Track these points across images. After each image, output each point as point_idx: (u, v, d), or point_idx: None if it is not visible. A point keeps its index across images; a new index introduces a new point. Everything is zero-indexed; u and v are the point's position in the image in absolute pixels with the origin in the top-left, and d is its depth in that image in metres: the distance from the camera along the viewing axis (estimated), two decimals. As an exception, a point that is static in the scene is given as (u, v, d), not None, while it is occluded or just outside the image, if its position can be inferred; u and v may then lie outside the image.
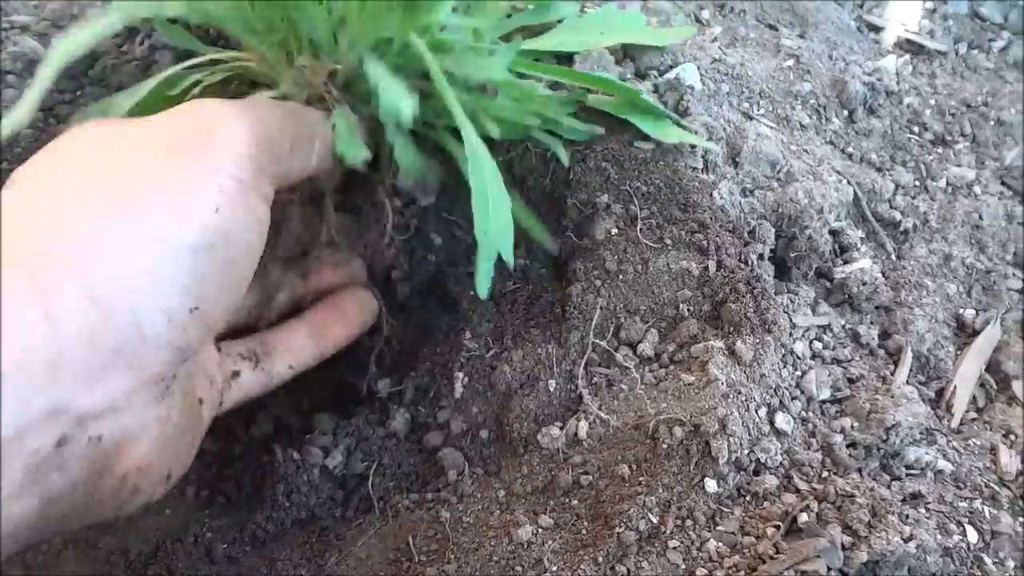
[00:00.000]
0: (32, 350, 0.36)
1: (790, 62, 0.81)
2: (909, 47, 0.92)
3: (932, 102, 0.84)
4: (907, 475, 0.51)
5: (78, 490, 0.40)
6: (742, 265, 0.58)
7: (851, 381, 0.57)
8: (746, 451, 0.50)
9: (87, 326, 0.38)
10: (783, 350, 0.56)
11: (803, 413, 0.54)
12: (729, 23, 0.87)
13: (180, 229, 0.42)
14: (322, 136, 0.53)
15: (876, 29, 0.93)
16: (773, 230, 0.61)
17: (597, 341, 0.57)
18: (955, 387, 0.59)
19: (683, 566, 0.46)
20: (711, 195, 0.61)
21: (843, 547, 0.44)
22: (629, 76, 0.71)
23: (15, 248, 0.38)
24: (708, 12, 0.87)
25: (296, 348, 0.58)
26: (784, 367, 0.55)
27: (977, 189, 0.75)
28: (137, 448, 0.43)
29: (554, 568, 0.47)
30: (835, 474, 0.50)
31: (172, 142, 0.45)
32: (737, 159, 0.66)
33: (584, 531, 0.49)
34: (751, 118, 0.72)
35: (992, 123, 0.82)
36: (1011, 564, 0.47)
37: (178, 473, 0.47)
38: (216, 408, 0.53)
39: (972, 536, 0.48)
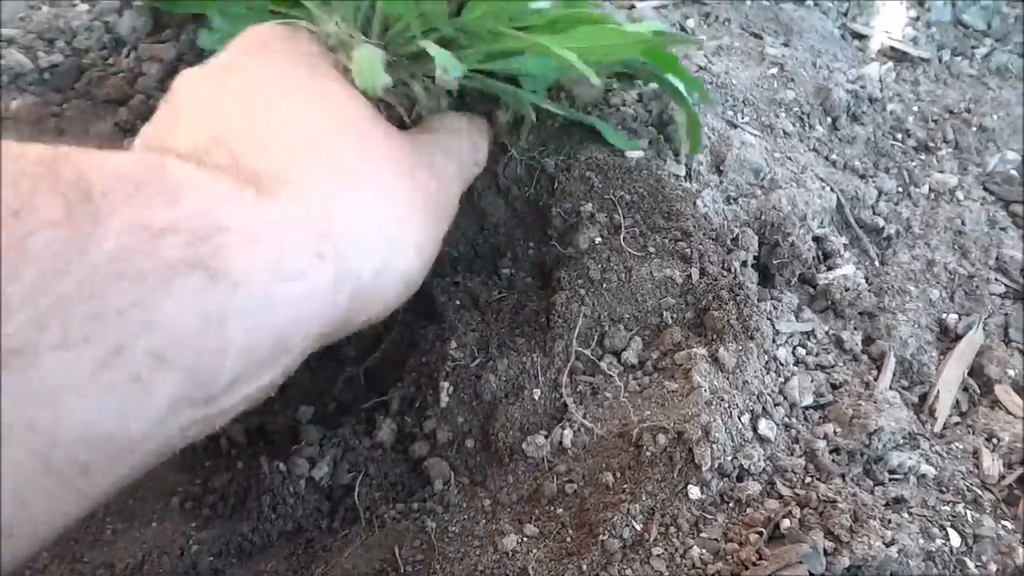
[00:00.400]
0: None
1: (774, 70, 0.81)
2: (892, 54, 0.92)
3: (915, 109, 0.84)
4: (890, 480, 0.52)
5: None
6: (725, 272, 0.59)
7: (834, 387, 0.57)
8: (729, 458, 0.50)
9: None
10: (766, 356, 0.56)
11: (786, 419, 0.54)
12: (714, 32, 0.87)
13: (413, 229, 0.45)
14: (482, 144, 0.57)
15: (860, 37, 0.94)
16: (756, 237, 0.62)
17: (581, 349, 0.57)
18: (938, 392, 0.59)
19: (667, 573, 0.46)
20: (694, 203, 0.62)
21: (825, 552, 0.45)
22: (615, 85, 0.71)
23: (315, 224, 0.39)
24: (693, 21, 0.88)
25: None
26: (767, 373, 0.55)
27: (960, 195, 0.76)
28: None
29: (539, 577, 0.47)
30: (818, 480, 0.50)
31: (306, 73, 0.45)
32: (721, 167, 0.67)
33: (569, 539, 0.49)
34: (735, 126, 0.72)
35: (975, 129, 0.83)
36: (993, 568, 0.48)
37: None
38: None
39: (955, 540, 0.48)
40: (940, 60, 0.93)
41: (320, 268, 0.37)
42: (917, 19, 0.97)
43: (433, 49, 0.48)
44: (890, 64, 0.90)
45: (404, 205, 0.45)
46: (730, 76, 0.77)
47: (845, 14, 0.96)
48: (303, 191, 0.39)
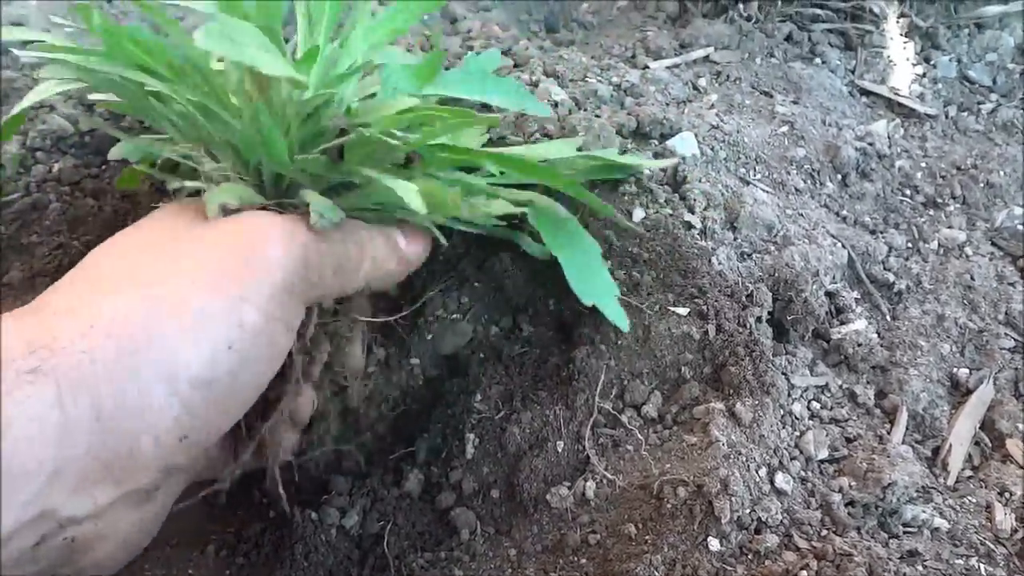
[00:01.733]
0: (43, 461, 0.38)
1: (784, 128, 0.84)
2: (900, 111, 0.95)
3: (923, 165, 0.87)
4: (904, 533, 0.53)
5: (39, 572, 0.43)
6: (741, 328, 0.61)
7: (848, 440, 0.59)
8: (747, 510, 0.51)
9: (91, 442, 0.40)
10: (782, 411, 0.58)
11: (802, 473, 0.56)
12: (725, 90, 0.90)
13: (187, 360, 0.43)
14: (372, 256, 0.54)
15: (868, 94, 0.97)
16: (770, 294, 0.64)
17: (603, 403, 0.59)
18: (950, 445, 0.61)
19: (688, 624, 0.47)
20: (710, 261, 0.64)
21: (842, 605, 0.46)
22: (631, 144, 0.74)
23: (55, 342, 0.40)
24: (705, 80, 0.91)
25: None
26: (783, 428, 0.57)
27: (968, 250, 0.78)
28: (103, 547, 0.44)
29: (564, 626, 0.49)
30: (834, 532, 0.52)
31: (214, 260, 0.46)
32: (735, 224, 0.69)
33: (593, 589, 0.51)
34: (748, 183, 0.75)
35: (982, 185, 0.85)
36: (1007, 621, 0.49)
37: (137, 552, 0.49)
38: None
39: (968, 593, 0.50)
40: (947, 116, 0.96)
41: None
42: (924, 75, 1.00)
43: (310, 197, 0.50)
44: (897, 121, 0.92)
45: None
46: (741, 134, 0.80)
47: (853, 71, 0.99)
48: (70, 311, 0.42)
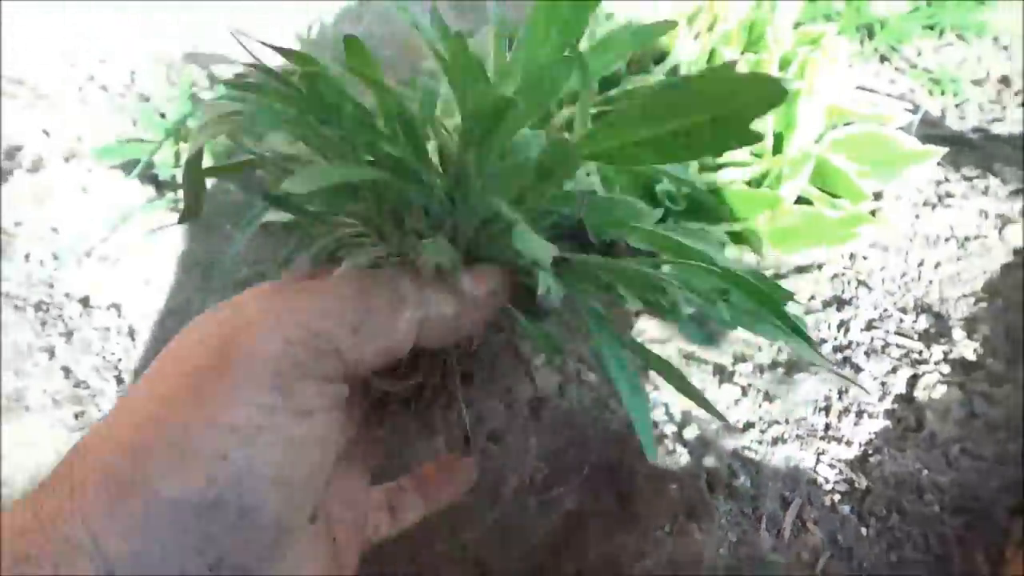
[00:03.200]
0: None
1: (697, 376, 1.71)
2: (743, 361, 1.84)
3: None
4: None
5: None
6: (699, 489, 1.45)
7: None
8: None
9: None
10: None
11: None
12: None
13: (183, 486, 0.40)
14: (415, 304, 0.46)
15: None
16: (704, 472, 1.49)
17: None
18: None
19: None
20: (677, 460, 1.48)
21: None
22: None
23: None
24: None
25: (408, 505, 0.65)
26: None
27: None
28: None
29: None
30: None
31: (196, 366, 0.42)
32: (684, 440, 1.54)
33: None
34: (688, 418, 1.60)
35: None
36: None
37: None
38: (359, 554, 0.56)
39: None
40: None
41: None
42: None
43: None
44: (748, 363, 1.81)
45: None
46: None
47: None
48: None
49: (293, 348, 0.42)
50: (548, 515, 1.47)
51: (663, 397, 1.61)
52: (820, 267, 1.98)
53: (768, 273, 1.98)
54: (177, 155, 1.93)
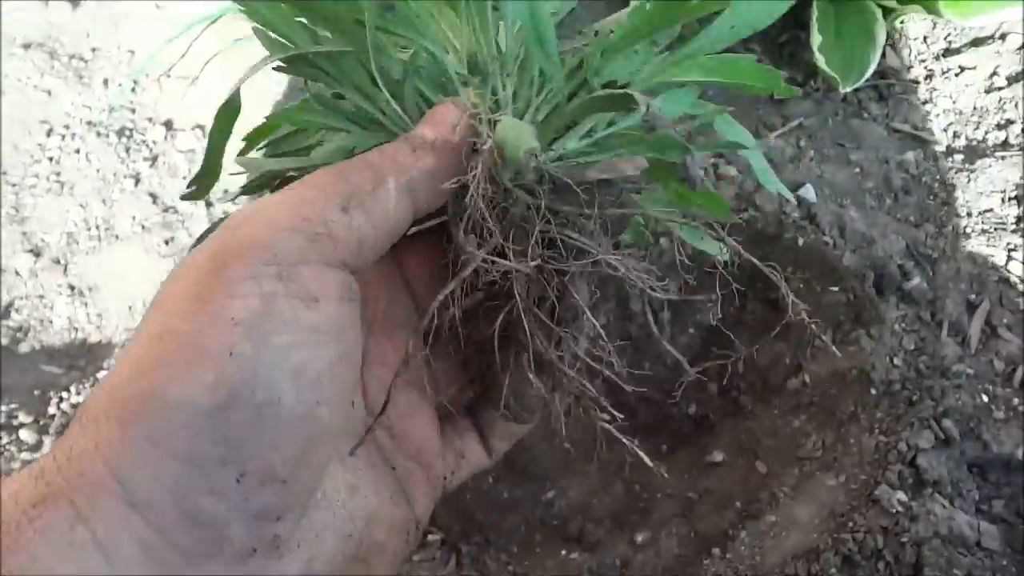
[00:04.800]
0: None
1: (857, 169, 1.45)
2: (919, 142, 1.55)
3: (937, 178, 1.48)
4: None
5: None
6: (862, 293, 1.23)
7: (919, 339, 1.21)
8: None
9: (141, 540, 0.36)
10: (889, 331, 1.20)
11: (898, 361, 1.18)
12: (816, 145, 1.51)
13: (191, 390, 0.37)
14: (394, 170, 0.45)
15: (899, 132, 1.57)
16: (872, 272, 1.26)
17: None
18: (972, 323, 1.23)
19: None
20: (841, 258, 1.26)
21: None
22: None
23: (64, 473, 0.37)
24: (804, 142, 1.52)
25: (496, 432, 0.58)
26: (893, 336, 1.20)
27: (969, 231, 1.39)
28: None
29: None
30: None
31: (195, 277, 0.40)
32: (844, 234, 1.30)
33: None
34: (844, 207, 1.36)
35: (974, 185, 1.46)
36: None
37: None
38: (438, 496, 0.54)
39: None
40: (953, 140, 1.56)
41: None
42: (930, 112, 1.60)
43: None
44: (920, 150, 1.53)
45: None
46: (835, 177, 1.41)
47: (887, 116, 1.59)
48: None
49: (283, 234, 0.41)
50: (685, 329, 1.28)
51: (810, 195, 1.36)
52: (1003, 37, 1.64)
53: (938, 48, 1.66)
54: (251, -40, 1.73)
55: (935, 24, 1.68)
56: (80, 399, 1.27)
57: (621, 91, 0.48)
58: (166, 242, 1.45)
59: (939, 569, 0.95)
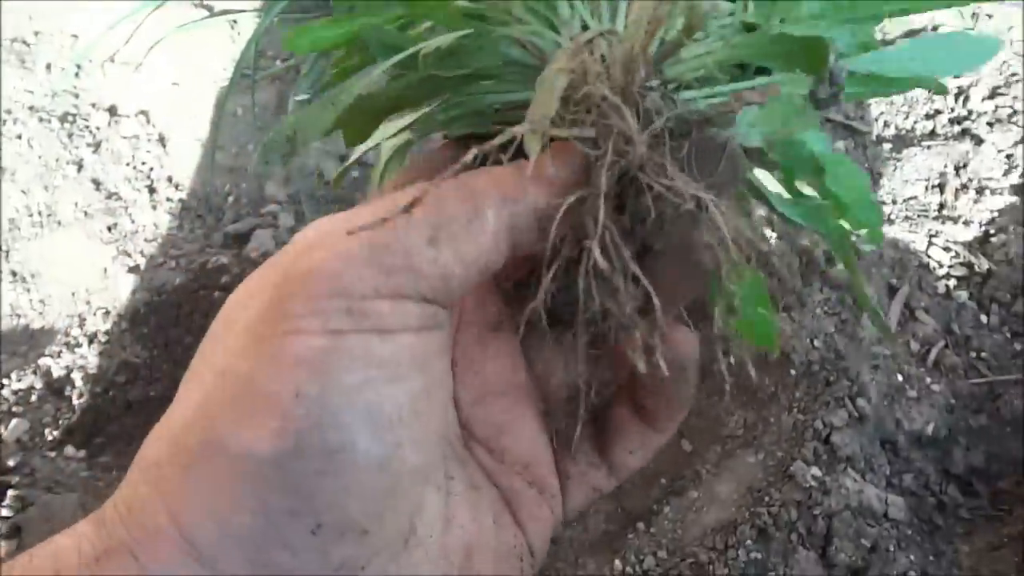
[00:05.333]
0: None
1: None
2: (849, 131, 1.60)
3: (866, 167, 1.53)
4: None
5: None
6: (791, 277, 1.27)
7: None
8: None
9: None
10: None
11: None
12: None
13: (255, 436, 0.34)
14: (497, 201, 0.38)
15: (830, 121, 1.61)
16: (797, 258, 1.30)
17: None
18: (889, 318, 1.28)
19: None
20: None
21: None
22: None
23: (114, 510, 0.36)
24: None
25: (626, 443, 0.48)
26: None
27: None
28: None
29: None
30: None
31: (254, 310, 0.36)
32: (771, 222, 1.35)
33: None
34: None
35: (896, 168, 1.51)
36: None
37: None
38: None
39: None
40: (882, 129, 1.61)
41: None
42: (860, 103, 1.65)
43: None
44: (851, 139, 1.58)
45: None
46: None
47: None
48: None
49: (356, 265, 0.35)
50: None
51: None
52: (935, 28, 1.69)
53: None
54: (197, -54, 1.73)
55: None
56: (21, 385, 1.28)
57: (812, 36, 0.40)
58: (109, 228, 1.46)
59: (847, 539, 1.01)
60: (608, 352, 0.44)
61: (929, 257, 1.35)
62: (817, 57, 0.40)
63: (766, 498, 1.04)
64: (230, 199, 1.53)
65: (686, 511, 1.07)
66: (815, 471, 1.06)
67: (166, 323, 1.30)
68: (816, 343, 1.21)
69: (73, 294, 1.41)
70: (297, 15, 1.68)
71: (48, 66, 1.67)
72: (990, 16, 1.71)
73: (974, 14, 1.71)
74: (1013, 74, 1.63)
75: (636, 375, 0.42)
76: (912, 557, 1.02)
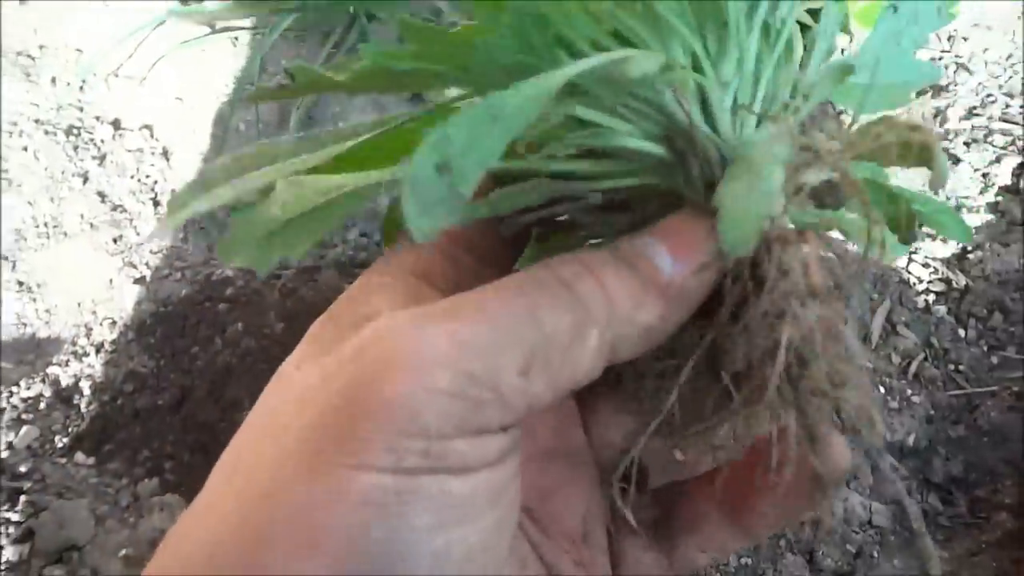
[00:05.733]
0: None
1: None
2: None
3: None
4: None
5: None
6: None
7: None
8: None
9: None
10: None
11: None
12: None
13: (313, 573, 0.30)
14: (603, 318, 0.33)
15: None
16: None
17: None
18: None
19: None
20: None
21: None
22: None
23: None
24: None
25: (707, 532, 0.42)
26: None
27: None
28: None
29: None
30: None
31: (314, 423, 0.32)
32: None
33: None
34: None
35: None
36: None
37: None
38: None
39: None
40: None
41: None
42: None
43: None
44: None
45: None
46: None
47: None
48: None
49: (439, 400, 0.31)
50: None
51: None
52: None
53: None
54: (200, -38, 1.77)
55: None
56: (30, 393, 1.31)
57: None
58: (114, 240, 1.50)
59: (833, 544, 1.06)
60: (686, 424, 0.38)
61: (909, 273, 1.41)
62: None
63: (755, 505, 1.09)
64: (233, 212, 1.56)
65: (679, 517, 1.12)
66: (802, 479, 1.11)
67: (172, 333, 1.34)
68: (802, 356, 1.27)
69: (79, 304, 1.44)
70: (296, 31, 1.73)
71: (53, 79, 1.70)
72: (966, 39, 1.78)
73: (950, 37, 1.78)
74: (989, 95, 1.69)
75: (737, 469, 0.37)
76: (895, 562, 1.07)
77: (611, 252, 0.34)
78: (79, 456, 1.20)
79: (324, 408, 0.31)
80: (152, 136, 1.64)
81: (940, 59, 1.74)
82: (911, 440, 1.20)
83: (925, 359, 1.30)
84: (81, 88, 1.69)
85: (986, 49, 1.75)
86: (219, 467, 0.34)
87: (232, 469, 0.34)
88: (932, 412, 1.24)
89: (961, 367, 1.30)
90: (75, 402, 1.29)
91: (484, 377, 0.31)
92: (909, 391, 1.26)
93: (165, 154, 1.62)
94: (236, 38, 1.77)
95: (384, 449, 0.30)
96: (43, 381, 1.32)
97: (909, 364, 1.29)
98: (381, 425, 0.30)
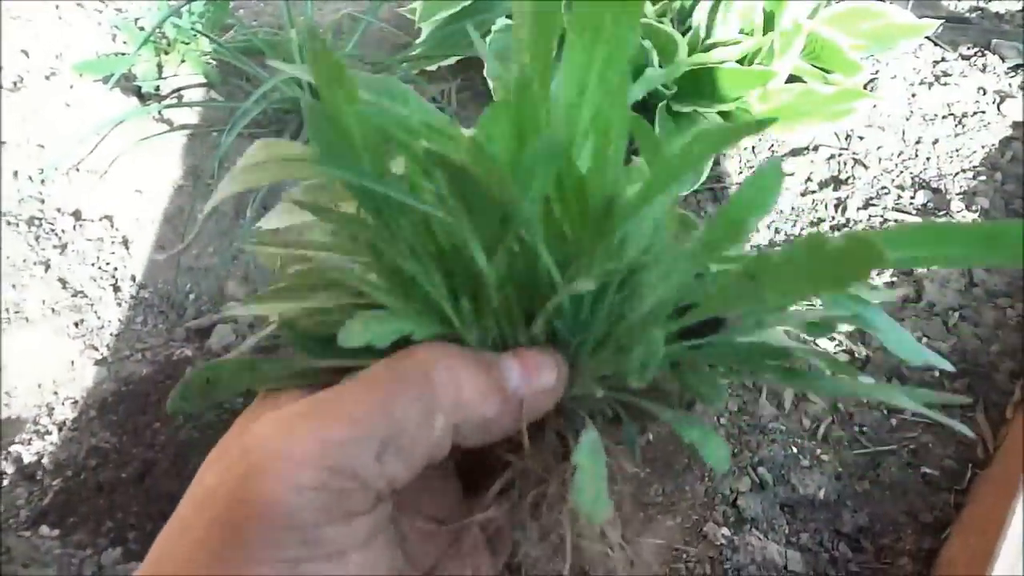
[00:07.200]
0: None
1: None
2: (748, 235, 1.83)
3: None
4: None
5: None
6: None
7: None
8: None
9: None
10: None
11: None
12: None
13: None
14: (449, 409, 0.38)
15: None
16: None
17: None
18: (785, 398, 1.47)
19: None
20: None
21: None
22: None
23: None
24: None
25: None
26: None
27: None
28: None
29: None
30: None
31: (212, 519, 0.36)
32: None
33: None
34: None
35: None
36: (807, 455, 1.35)
37: None
38: None
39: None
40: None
41: None
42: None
43: None
44: (746, 243, 1.80)
45: None
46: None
47: (722, 214, 1.87)
48: None
49: (306, 496, 0.35)
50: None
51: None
52: (816, 148, 1.96)
53: (763, 156, 1.96)
54: (159, 66, 1.90)
55: (761, 137, 1.99)
56: (-11, 473, 1.36)
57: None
58: (76, 324, 1.56)
59: (753, 590, 1.16)
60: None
61: (817, 345, 1.56)
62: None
63: (684, 555, 1.20)
64: (191, 296, 1.65)
65: (615, 570, 1.22)
66: (725, 531, 1.23)
67: (135, 410, 1.40)
68: (722, 421, 1.39)
69: (39, 385, 1.50)
70: (252, 129, 1.85)
71: (15, 173, 1.78)
72: (862, 138, 1.99)
73: (847, 136, 1.99)
74: (883, 187, 1.89)
75: None
76: (810, 606, 1.18)
77: (473, 354, 0.40)
78: (43, 529, 1.24)
79: (217, 509, 0.36)
80: (112, 226, 1.73)
81: (840, 155, 1.95)
82: (822, 494, 1.33)
83: (832, 422, 1.43)
84: (43, 182, 1.78)
85: (879, 147, 1.96)
86: (146, 563, 0.39)
87: (156, 566, 0.39)
88: (840, 469, 1.37)
89: (865, 428, 1.44)
90: (38, 478, 1.33)
91: (345, 468, 0.36)
92: (819, 451, 1.39)
93: (125, 243, 1.71)
94: (192, 134, 1.88)
95: (267, 545, 0.35)
96: (6, 459, 1.36)
97: (818, 427, 1.43)
98: (262, 524, 0.35)
